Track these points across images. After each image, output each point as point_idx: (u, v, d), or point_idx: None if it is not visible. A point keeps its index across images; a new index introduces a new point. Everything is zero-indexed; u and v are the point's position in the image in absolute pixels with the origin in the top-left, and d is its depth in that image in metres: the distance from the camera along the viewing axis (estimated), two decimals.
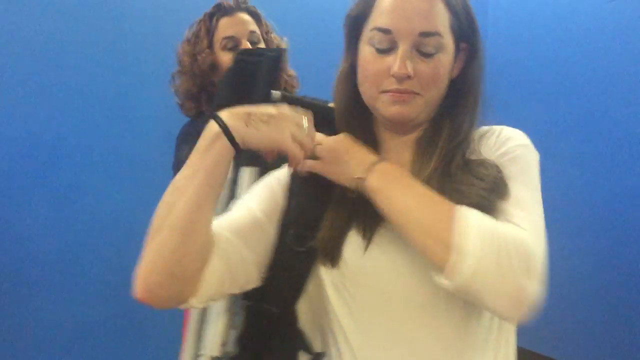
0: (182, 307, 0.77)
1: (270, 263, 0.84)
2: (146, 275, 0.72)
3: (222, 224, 0.80)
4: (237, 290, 0.82)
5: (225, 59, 1.53)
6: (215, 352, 0.98)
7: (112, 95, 1.98)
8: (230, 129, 0.72)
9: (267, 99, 0.94)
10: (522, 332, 0.88)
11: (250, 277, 0.82)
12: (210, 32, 1.54)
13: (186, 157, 0.75)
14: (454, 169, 0.81)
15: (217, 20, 1.55)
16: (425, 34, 0.78)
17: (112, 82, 1.97)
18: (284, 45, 1.62)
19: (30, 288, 1.85)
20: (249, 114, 0.74)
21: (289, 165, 0.83)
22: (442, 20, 0.80)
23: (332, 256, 0.82)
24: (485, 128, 0.87)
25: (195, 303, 0.76)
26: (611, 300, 2.48)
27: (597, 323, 2.52)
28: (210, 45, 1.55)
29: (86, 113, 1.94)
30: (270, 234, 0.84)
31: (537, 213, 0.77)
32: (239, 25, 1.54)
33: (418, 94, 0.80)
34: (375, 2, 0.82)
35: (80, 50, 1.94)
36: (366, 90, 0.84)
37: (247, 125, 0.73)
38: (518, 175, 0.79)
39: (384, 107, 0.82)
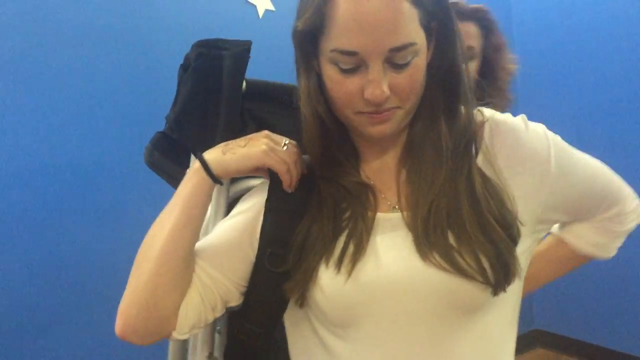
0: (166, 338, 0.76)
1: (249, 282, 0.80)
2: (124, 309, 0.72)
3: (197, 251, 0.78)
4: (219, 313, 0.80)
5: None
6: None
7: (147, 115, 1.95)
8: (208, 162, 0.75)
9: (236, 101, 0.88)
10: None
11: (230, 298, 0.80)
12: None
13: None
14: (478, 186, 0.74)
15: None
16: (397, 49, 0.67)
17: (147, 102, 1.98)
18: (514, 67, 1.45)
19: (80, 308, 1.88)
20: (226, 144, 0.77)
21: (283, 184, 0.78)
22: (411, 24, 0.68)
23: (302, 299, 0.75)
24: (493, 116, 0.79)
25: (176, 336, 0.76)
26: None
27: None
28: None
29: (123, 134, 1.95)
30: (249, 254, 0.79)
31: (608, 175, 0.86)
32: None
33: (398, 107, 0.72)
34: (328, 14, 0.68)
35: (115, 72, 1.94)
36: (338, 111, 0.75)
37: (224, 154, 0.75)
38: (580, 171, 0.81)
39: (363, 127, 0.74)
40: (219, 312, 0.79)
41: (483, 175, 0.75)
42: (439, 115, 0.76)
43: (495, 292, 0.71)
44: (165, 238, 0.72)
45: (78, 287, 1.87)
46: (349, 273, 0.72)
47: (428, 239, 0.72)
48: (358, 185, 0.79)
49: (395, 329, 0.73)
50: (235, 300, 0.80)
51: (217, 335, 0.94)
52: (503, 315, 0.78)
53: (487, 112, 0.80)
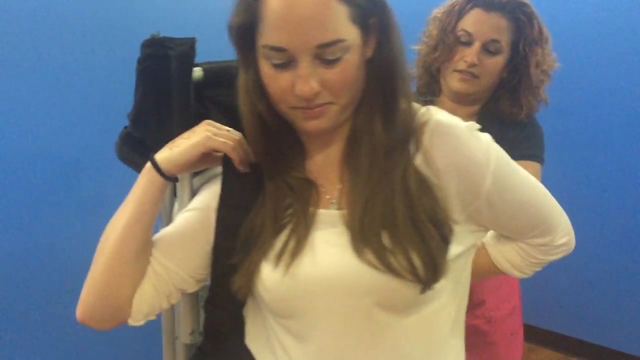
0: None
1: (211, 271, 0.84)
2: (83, 297, 0.80)
3: (154, 243, 0.83)
4: (174, 300, 0.86)
5: (457, 49, 1.35)
6: (187, 340, 0.99)
7: (130, 107, 2.00)
8: (157, 161, 0.79)
9: (186, 100, 0.90)
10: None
11: (185, 286, 0.85)
12: (460, 15, 1.34)
13: None
14: (413, 184, 0.75)
15: (471, 8, 1.32)
16: (324, 45, 0.68)
17: (131, 93, 1.98)
18: (553, 65, 1.37)
19: (61, 298, 1.88)
20: (173, 141, 0.81)
21: (234, 162, 0.81)
22: (339, 21, 0.69)
23: (246, 291, 0.80)
24: (437, 117, 0.78)
25: (132, 322, 0.82)
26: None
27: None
28: (453, 29, 1.35)
29: (105, 125, 1.91)
30: (204, 246, 0.83)
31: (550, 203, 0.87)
32: (483, 26, 1.30)
33: (331, 102, 0.73)
34: (259, 9, 0.70)
35: (99, 63, 1.95)
36: (276, 105, 0.76)
37: (171, 149, 0.79)
38: (520, 192, 0.81)
39: (299, 122, 0.75)
40: (175, 299, 0.85)
41: (419, 173, 0.76)
42: (375, 111, 0.76)
43: (423, 290, 0.73)
44: (119, 233, 0.78)
45: (57, 278, 1.88)
46: (287, 268, 0.76)
47: (363, 237, 0.74)
48: (301, 181, 0.81)
49: (331, 323, 0.77)
50: (192, 288, 0.86)
51: (202, 312, 0.98)
52: (441, 313, 0.80)
53: (433, 111, 0.79)
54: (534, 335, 2.96)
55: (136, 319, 0.82)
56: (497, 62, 1.32)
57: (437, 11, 1.42)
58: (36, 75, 1.82)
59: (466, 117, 1.37)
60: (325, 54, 0.69)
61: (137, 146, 0.96)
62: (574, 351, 2.85)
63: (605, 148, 2.66)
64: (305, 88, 0.70)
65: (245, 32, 0.73)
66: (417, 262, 0.72)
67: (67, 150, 1.90)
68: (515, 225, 0.86)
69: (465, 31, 1.32)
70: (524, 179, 0.83)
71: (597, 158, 2.68)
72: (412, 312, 0.77)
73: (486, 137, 0.79)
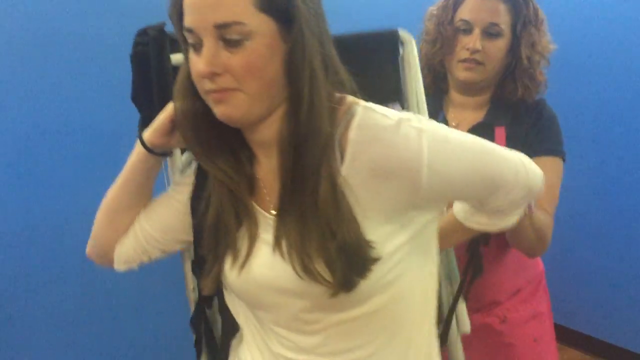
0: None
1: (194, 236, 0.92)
2: (90, 238, 0.99)
3: (145, 209, 0.96)
4: (155, 256, 0.97)
5: (458, 40, 1.35)
6: (190, 296, 1.09)
7: None
8: (143, 137, 0.89)
9: (164, 79, 0.96)
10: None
11: (165, 247, 0.96)
12: (455, 7, 1.35)
13: None
14: (324, 195, 0.74)
15: None
16: (221, 26, 0.70)
17: None
18: (548, 46, 1.35)
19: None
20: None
21: None
22: (239, 4, 0.69)
23: (209, 291, 0.88)
24: (362, 117, 0.75)
25: (116, 266, 0.98)
26: None
27: None
28: (451, 22, 1.36)
29: None
30: (180, 211, 0.92)
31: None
32: (481, 12, 1.30)
33: (237, 89, 0.72)
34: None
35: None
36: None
37: (151, 125, 0.89)
38: (468, 172, 0.77)
39: (212, 108, 0.76)
40: (155, 256, 0.97)
41: (335, 185, 0.74)
42: (288, 112, 0.76)
43: (334, 295, 0.75)
44: (109, 193, 0.95)
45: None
46: (241, 269, 0.82)
47: (289, 244, 0.76)
48: (250, 184, 0.83)
49: (289, 318, 0.82)
50: (173, 248, 0.97)
51: None
52: (398, 302, 0.81)
53: (358, 115, 0.75)
54: (562, 335, 2.93)
55: (118, 265, 0.97)
56: (499, 47, 1.32)
57: (432, 8, 1.43)
58: (81, 51, 1.89)
59: (477, 107, 1.42)
60: (225, 35, 0.70)
61: (144, 126, 1.04)
62: (602, 354, 2.80)
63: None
64: (200, 65, 0.72)
65: (180, 21, 0.75)
66: (324, 269, 0.74)
67: (108, 123, 1.98)
68: (470, 194, 0.84)
69: (464, 20, 1.33)
70: (465, 154, 0.77)
71: (632, 156, 2.60)
72: (354, 309, 0.79)
73: (416, 128, 0.74)
